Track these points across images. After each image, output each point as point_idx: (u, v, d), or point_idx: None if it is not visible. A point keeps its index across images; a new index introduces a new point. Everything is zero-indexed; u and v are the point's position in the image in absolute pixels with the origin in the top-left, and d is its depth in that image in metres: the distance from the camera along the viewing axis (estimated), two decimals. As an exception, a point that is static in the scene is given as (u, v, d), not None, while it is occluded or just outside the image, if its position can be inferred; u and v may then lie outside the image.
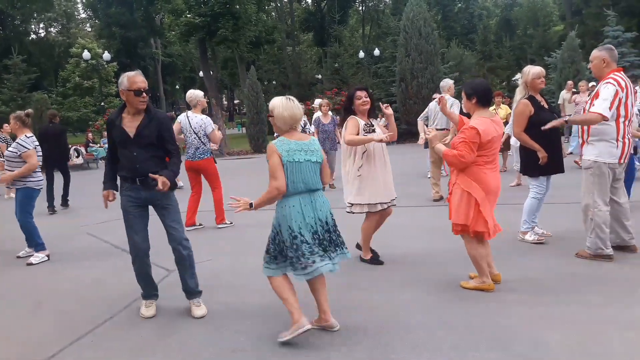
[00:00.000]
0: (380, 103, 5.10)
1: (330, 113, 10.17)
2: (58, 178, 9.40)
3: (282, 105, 3.26)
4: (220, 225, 6.93)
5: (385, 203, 4.69)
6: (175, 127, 6.48)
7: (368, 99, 4.64)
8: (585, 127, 4.60)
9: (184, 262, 3.89)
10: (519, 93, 5.15)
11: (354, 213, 4.75)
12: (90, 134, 21.26)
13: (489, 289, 3.96)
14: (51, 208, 9.06)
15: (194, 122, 6.69)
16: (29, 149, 5.71)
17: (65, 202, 9.56)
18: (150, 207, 3.86)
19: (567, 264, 4.54)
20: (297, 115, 3.28)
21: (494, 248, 4.29)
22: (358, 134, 4.55)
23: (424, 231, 6.09)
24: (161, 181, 3.53)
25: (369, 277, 4.48)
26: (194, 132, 6.67)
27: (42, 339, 3.59)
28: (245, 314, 3.84)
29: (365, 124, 4.63)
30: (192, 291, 3.96)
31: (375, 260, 4.91)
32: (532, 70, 5.07)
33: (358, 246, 5.11)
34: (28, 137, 5.82)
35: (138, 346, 3.41)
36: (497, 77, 35.35)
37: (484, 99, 3.92)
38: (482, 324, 3.41)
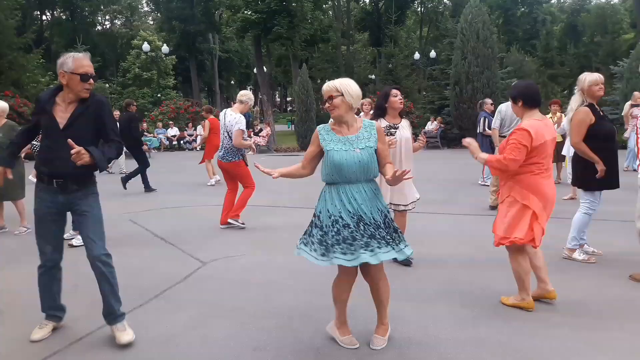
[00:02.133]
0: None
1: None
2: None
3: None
4: (230, 220, 6.64)
5: (393, 204, 4.71)
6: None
7: (402, 99, 4.78)
8: None
9: (104, 281, 3.29)
10: (574, 101, 4.83)
11: None
12: (145, 124, 21.90)
13: (528, 307, 3.73)
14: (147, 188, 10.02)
15: (227, 119, 6.49)
16: None
17: (147, 187, 10.10)
18: None
19: (617, 286, 4.24)
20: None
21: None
22: None
23: (466, 240, 5.86)
24: (77, 150, 2.93)
25: (401, 284, 4.32)
26: (226, 130, 6.48)
27: (75, 320, 3.66)
28: (272, 312, 3.78)
29: (386, 127, 4.67)
30: (114, 313, 3.33)
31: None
32: (589, 78, 4.75)
33: None
34: None
35: (163, 336, 3.41)
36: (559, 85, 34.02)
37: (531, 101, 3.68)
38: (516, 343, 3.21)
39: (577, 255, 4.96)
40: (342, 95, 2.99)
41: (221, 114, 6.69)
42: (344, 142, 3.01)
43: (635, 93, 13.37)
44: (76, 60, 3.15)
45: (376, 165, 3.04)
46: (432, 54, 29.29)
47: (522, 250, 3.72)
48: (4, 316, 3.84)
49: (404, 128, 4.81)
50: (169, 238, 6.19)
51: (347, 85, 3.03)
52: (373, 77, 32.81)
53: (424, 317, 3.64)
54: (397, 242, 2.98)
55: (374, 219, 2.94)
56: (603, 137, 4.64)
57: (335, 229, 2.92)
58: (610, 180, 4.78)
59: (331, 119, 3.23)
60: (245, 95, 6.74)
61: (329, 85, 3.05)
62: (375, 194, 3.03)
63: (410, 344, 3.21)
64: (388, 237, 2.94)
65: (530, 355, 3.04)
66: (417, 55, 31.04)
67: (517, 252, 3.73)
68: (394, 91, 4.77)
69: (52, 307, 3.48)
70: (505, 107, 7.71)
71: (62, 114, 3.16)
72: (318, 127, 3.17)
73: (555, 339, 3.26)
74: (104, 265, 3.28)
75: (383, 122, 4.67)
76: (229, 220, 6.66)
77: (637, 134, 4.54)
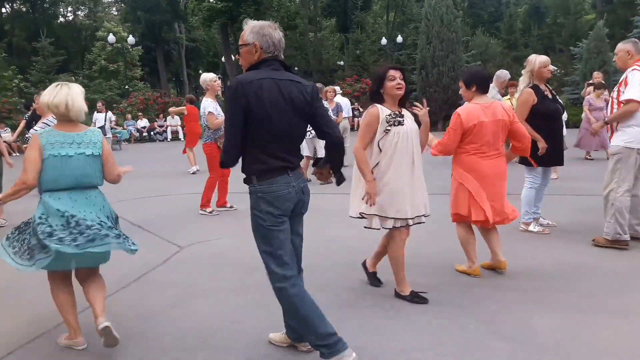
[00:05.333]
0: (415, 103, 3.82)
1: (337, 100, 10.14)
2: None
3: (49, 92, 3.06)
4: (200, 212, 6.91)
5: (410, 219, 3.61)
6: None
7: (403, 82, 3.52)
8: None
9: None
10: (522, 82, 5.19)
11: (371, 228, 3.71)
12: (114, 117, 21.66)
13: (474, 273, 4.09)
14: None
15: (201, 107, 6.83)
16: None
17: None
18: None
19: (570, 254, 4.61)
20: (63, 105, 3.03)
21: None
22: (376, 130, 3.52)
23: (434, 218, 6.17)
24: None
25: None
26: (202, 117, 6.80)
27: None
28: (246, 290, 4.02)
29: (391, 115, 3.49)
30: None
31: (417, 296, 3.69)
32: (539, 59, 5.09)
33: (365, 266, 4.16)
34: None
35: (147, 313, 3.62)
36: (522, 67, 34.73)
37: (483, 86, 4.00)
38: (472, 306, 3.53)
39: (533, 227, 5.33)
40: None
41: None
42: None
43: (595, 73, 13.94)
44: None
45: None
46: (399, 39, 29.60)
47: (465, 224, 4.08)
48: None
49: (409, 120, 3.60)
50: (146, 226, 6.35)
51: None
52: (341, 63, 32.99)
53: (391, 286, 3.93)
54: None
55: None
56: (546, 117, 4.98)
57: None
58: (553, 158, 5.12)
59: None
60: (202, 80, 6.88)
61: None
62: None
63: (378, 308, 3.50)
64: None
65: (487, 316, 3.36)
66: (384, 41, 31.29)
67: (460, 226, 4.11)
68: (391, 73, 3.51)
69: None
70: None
71: None
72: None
73: (508, 302, 3.58)
74: None
75: (384, 110, 3.51)
76: (200, 212, 6.89)
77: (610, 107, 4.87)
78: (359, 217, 3.74)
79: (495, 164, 3.96)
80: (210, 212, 6.87)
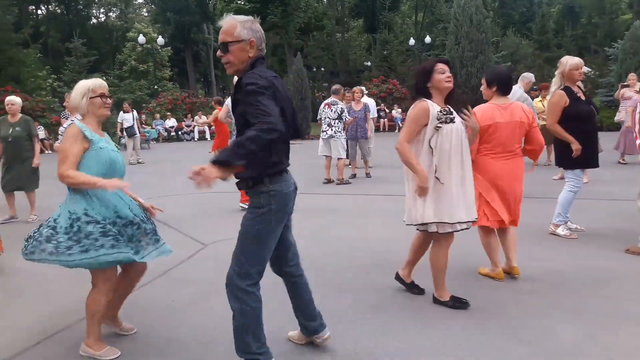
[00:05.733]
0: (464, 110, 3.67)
1: (364, 100, 10.08)
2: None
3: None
4: (243, 205, 6.87)
5: (464, 222, 3.41)
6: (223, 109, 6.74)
7: (452, 76, 3.39)
8: None
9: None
10: (554, 84, 5.08)
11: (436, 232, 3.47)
12: (143, 116, 22.09)
13: (497, 277, 4.02)
14: None
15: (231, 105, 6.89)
16: None
17: None
18: None
19: (596, 259, 4.50)
20: None
21: (520, 237, 4.25)
22: (423, 126, 3.34)
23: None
24: None
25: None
26: (229, 116, 6.86)
27: (80, 303, 3.91)
28: (266, 287, 4.04)
29: (442, 111, 3.31)
30: None
31: (458, 301, 3.55)
32: (570, 61, 4.98)
33: (400, 277, 3.94)
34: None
35: (170, 309, 3.68)
36: (555, 68, 34.03)
37: (505, 88, 3.94)
38: (493, 310, 3.47)
39: (561, 230, 5.21)
40: None
41: (228, 100, 6.98)
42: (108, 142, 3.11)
43: (631, 75, 13.58)
44: None
45: None
46: (427, 39, 29.37)
47: (486, 228, 3.97)
48: (24, 293, 4.11)
49: (457, 117, 3.45)
50: (171, 223, 6.44)
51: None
52: (368, 64, 32.90)
53: (425, 284, 3.90)
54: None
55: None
56: (579, 118, 4.87)
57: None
58: (589, 160, 5.02)
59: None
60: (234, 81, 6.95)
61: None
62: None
63: (398, 311, 3.48)
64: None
65: (508, 320, 3.31)
66: (412, 41, 31.09)
67: (482, 229, 4.01)
68: (440, 66, 3.37)
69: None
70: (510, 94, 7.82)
71: None
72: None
73: (529, 306, 3.52)
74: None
75: (435, 106, 3.32)
76: (240, 205, 6.97)
77: (633, 116, 4.78)
78: (417, 225, 3.49)
79: (509, 165, 3.89)
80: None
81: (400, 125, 23.17)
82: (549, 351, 2.89)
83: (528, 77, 7.79)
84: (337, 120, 8.96)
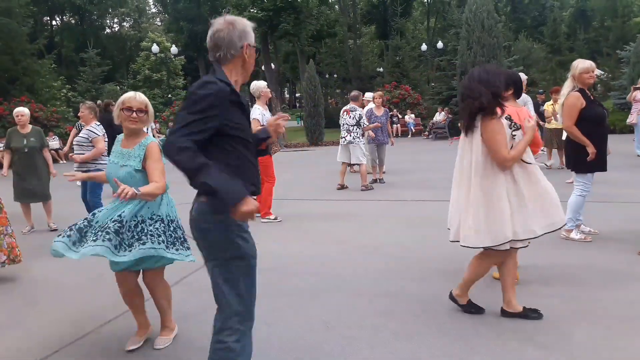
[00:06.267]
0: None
1: (371, 106, 10.17)
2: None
3: None
4: (264, 220, 6.83)
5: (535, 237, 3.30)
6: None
7: None
8: None
9: None
10: (566, 87, 5.07)
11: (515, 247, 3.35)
12: (158, 125, 22.28)
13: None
14: None
15: (251, 115, 6.87)
16: (98, 135, 6.19)
17: None
18: None
19: (611, 261, 4.47)
20: None
21: (537, 242, 4.24)
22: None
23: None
24: None
25: (442, 259, 4.59)
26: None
27: (103, 305, 3.98)
28: (282, 293, 4.07)
29: (507, 117, 3.31)
30: None
31: (474, 307, 3.54)
32: (581, 65, 4.97)
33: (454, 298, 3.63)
34: (98, 125, 6.32)
35: (185, 315, 3.71)
36: (567, 71, 33.79)
37: (519, 91, 3.97)
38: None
39: (574, 235, 5.18)
40: (147, 113, 3.18)
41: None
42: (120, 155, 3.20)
43: (643, 76, 13.46)
44: None
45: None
46: (440, 44, 29.35)
47: None
48: (40, 304, 4.18)
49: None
50: (188, 230, 6.49)
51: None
52: (381, 69, 32.92)
53: (423, 292, 3.90)
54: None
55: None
56: (594, 121, 4.85)
57: None
58: (601, 163, 4.99)
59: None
60: (255, 88, 6.88)
61: (139, 98, 3.18)
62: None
63: (411, 315, 3.49)
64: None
65: (523, 324, 3.30)
66: (424, 47, 31.12)
67: None
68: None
69: None
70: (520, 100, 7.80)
71: None
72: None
73: (545, 309, 3.50)
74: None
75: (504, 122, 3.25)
76: (262, 220, 6.79)
77: None
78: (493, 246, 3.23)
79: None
80: (274, 219, 6.83)
81: (413, 130, 23.13)
82: (565, 355, 2.88)
83: (523, 77, 7.87)
84: (355, 127, 9.00)
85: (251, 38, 2.34)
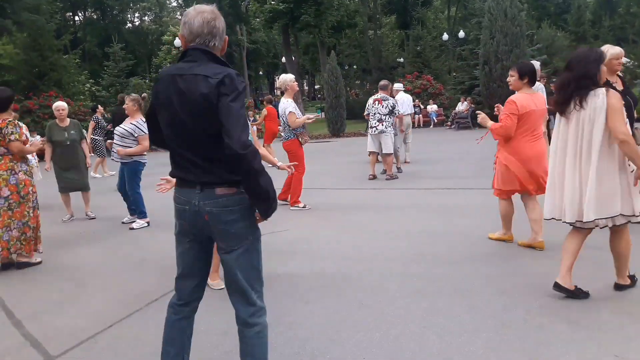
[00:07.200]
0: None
1: (399, 97, 10.34)
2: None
3: None
4: (292, 208, 7.02)
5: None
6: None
7: None
8: None
9: None
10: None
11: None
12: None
13: (508, 239, 4.86)
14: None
15: (280, 107, 6.98)
16: (145, 133, 6.17)
17: None
18: None
19: None
20: None
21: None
22: None
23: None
24: None
25: (467, 246, 4.75)
26: (280, 116, 7.03)
27: (147, 287, 4.22)
28: (316, 275, 4.26)
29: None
30: None
31: (581, 292, 3.48)
32: (611, 50, 4.96)
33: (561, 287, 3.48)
34: (144, 122, 6.46)
35: (207, 304, 3.91)
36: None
37: (534, 79, 4.55)
38: (535, 293, 3.60)
39: None
40: None
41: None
42: None
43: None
44: None
45: None
46: (461, 34, 29.11)
47: (506, 198, 4.76)
48: (83, 287, 4.44)
49: None
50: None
51: None
52: (401, 60, 32.82)
53: (454, 273, 4.06)
54: None
55: None
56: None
57: None
58: None
59: None
60: (282, 81, 6.99)
61: None
62: None
63: (443, 295, 3.65)
64: None
65: (533, 280, 3.43)
66: (445, 36, 30.88)
67: (503, 200, 4.79)
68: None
69: None
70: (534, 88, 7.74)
71: None
72: None
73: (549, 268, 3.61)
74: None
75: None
76: (292, 208, 7.02)
77: None
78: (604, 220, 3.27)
79: (535, 146, 4.53)
80: (303, 207, 7.00)
81: (435, 120, 23.07)
82: (591, 329, 3.02)
83: (537, 65, 7.90)
84: (388, 116, 9.04)
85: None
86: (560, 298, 3.46)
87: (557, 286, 3.45)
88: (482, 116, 4.72)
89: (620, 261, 3.52)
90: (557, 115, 3.47)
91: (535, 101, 4.49)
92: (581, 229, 3.41)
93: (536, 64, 7.95)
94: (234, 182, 2.14)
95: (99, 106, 12.98)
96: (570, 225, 3.43)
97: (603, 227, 3.33)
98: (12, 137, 4.80)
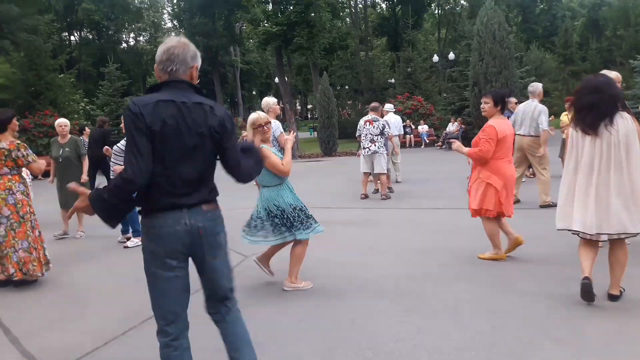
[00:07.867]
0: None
1: (388, 118, 10.51)
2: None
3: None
4: None
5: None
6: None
7: None
8: None
9: None
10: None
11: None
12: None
13: (501, 258, 4.97)
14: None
15: (276, 130, 7.09)
16: None
17: None
18: None
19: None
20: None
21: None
22: None
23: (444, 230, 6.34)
24: None
25: (457, 264, 4.84)
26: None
27: (143, 304, 4.24)
28: (308, 294, 4.34)
29: None
30: None
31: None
32: (611, 75, 5.15)
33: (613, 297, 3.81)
34: None
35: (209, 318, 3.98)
36: (580, 81, 33.71)
37: (505, 107, 4.94)
38: (523, 311, 3.70)
39: None
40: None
41: None
42: None
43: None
44: None
45: None
46: (451, 55, 29.62)
47: (491, 218, 4.89)
48: (80, 305, 4.48)
49: None
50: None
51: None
52: (392, 81, 33.26)
53: (448, 289, 4.15)
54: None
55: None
56: None
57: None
58: None
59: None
60: (265, 103, 6.89)
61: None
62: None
63: (432, 311, 3.74)
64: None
65: (534, 319, 3.53)
66: (435, 58, 31.39)
67: (487, 220, 4.93)
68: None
69: None
70: (523, 107, 7.78)
71: None
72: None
73: (558, 305, 3.72)
74: None
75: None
76: None
77: None
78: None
79: (512, 168, 4.98)
80: None
81: (427, 140, 23.31)
82: (579, 348, 3.10)
83: (539, 86, 8.02)
84: (379, 136, 9.21)
85: (199, 62, 2.43)
86: (549, 316, 3.56)
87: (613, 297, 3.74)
88: (456, 145, 5.06)
89: (620, 271, 3.69)
90: (577, 134, 3.63)
91: (508, 126, 4.92)
92: (596, 241, 3.67)
93: (538, 85, 8.09)
94: (213, 200, 2.49)
95: (86, 128, 12.85)
96: (598, 237, 3.59)
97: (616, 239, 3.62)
98: (30, 159, 4.91)
